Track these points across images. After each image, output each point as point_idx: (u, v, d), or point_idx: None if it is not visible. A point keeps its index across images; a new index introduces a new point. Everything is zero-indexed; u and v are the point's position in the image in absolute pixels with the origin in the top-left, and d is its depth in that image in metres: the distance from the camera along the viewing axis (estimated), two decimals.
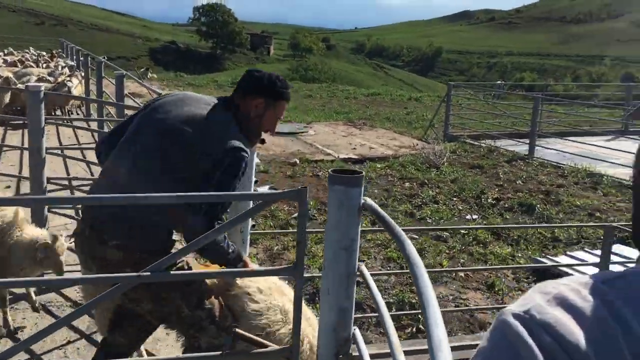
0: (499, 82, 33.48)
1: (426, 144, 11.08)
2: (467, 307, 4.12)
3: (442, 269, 4.73)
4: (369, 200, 1.86)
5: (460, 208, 6.85)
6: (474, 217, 6.49)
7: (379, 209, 1.75)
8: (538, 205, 6.88)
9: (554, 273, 4.70)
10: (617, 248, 5.07)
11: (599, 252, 4.13)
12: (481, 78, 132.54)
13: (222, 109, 2.34)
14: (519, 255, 5.40)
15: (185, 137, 2.20)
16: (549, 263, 5.02)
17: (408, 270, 4.47)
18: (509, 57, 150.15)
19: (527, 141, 10.60)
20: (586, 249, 5.41)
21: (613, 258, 4.59)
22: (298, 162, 9.03)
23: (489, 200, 7.13)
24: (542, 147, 10.64)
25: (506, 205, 6.94)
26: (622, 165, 9.22)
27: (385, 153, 10.20)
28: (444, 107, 12.73)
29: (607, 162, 9.32)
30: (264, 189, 7.12)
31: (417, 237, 5.57)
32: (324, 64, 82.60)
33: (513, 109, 16.25)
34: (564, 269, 4.65)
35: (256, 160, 9.02)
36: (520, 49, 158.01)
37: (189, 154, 2.17)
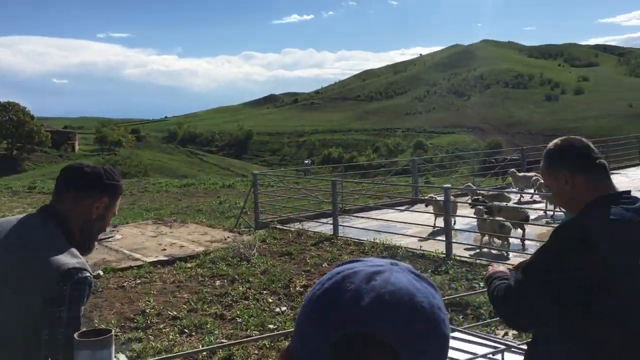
0: (306, 161, 35.56)
1: (237, 234, 11.19)
2: None
3: None
4: (123, 359, 1.82)
5: (270, 301, 6.95)
6: (283, 308, 6.62)
7: None
8: None
9: None
10: None
11: None
12: (293, 156, 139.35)
13: (39, 222, 1.91)
14: None
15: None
16: None
17: None
18: (315, 135, 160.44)
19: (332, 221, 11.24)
20: None
21: None
22: (102, 273, 8.49)
23: (297, 289, 7.35)
24: (345, 225, 11.32)
25: None
26: (411, 235, 10.21)
27: (196, 250, 10.06)
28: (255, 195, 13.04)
29: (399, 234, 10.24)
30: None
31: (225, 340, 5.50)
32: (134, 157, 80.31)
33: (321, 185, 17.22)
34: None
35: None
36: (324, 127, 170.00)
37: (11, 299, 1.75)
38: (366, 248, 9.57)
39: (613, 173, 17.95)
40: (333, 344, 0.69)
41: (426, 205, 11.38)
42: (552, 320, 1.86)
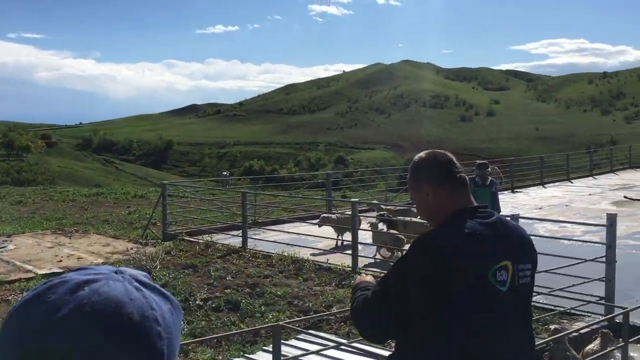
0: (224, 172, 35.11)
1: (141, 246, 10.77)
2: None
3: None
4: None
5: None
6: None
7: None
8: (243, 301, 7.10)
9: None
10: (294, 342, 5.38)
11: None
12: (213, 167, 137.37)
13: None
14: (220, 357, 5.42)
15: None
16: None
17: None
18: (237, 147, 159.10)
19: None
20: (264, 348, 5.47)
21: (288, 350, 4.88)
22: None
23: (197, 302, 7.13)
24: (255, 238, 11.16)
25: (213, 305, 7.01)
26: (320, 249, 10.20)
27: (94, 262, 9.58)
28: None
29: (309, 247, 10.21)
30: None
31: None
32: (43, 163, 76.26)
33: (236, 197, 16.85)
34: None
35: None
36: (246, 139, 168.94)
37: None
38: (274, 261, 9.46)
39: (516, 192, 18.98)
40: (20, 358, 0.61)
41: (319, 226, 11.23)
42: (405, 332, 1.84)
